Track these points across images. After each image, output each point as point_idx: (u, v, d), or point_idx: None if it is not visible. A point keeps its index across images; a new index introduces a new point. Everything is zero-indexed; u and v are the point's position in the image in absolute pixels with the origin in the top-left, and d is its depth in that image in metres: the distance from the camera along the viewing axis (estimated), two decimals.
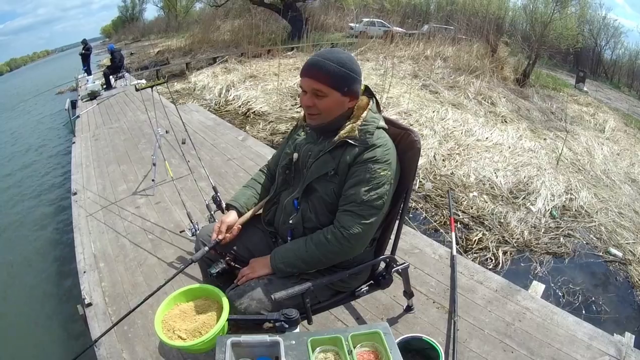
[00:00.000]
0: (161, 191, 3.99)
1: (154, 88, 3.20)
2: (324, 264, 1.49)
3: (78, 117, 8.01)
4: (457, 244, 3.29)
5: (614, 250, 3.82)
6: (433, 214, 4.15)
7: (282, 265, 1.47)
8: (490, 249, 3.63)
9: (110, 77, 11.12)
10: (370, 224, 1.42)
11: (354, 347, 1.16)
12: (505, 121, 7.53)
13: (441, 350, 1.70)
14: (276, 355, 1.16)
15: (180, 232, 3.17)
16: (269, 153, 4.64)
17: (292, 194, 1.57)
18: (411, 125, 6.19)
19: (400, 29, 16.67)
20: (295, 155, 1.58)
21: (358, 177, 1.41)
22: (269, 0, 18.57)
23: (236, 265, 1.58)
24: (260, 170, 1.87)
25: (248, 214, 1.69)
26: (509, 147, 5.94)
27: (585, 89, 15.35)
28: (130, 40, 38.54)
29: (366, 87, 1.55)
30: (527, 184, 4.74)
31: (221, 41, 18.66)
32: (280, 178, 1.64)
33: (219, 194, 2.73)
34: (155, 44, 23.17)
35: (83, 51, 13.27)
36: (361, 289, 1.70)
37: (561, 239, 3.87)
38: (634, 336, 2.36)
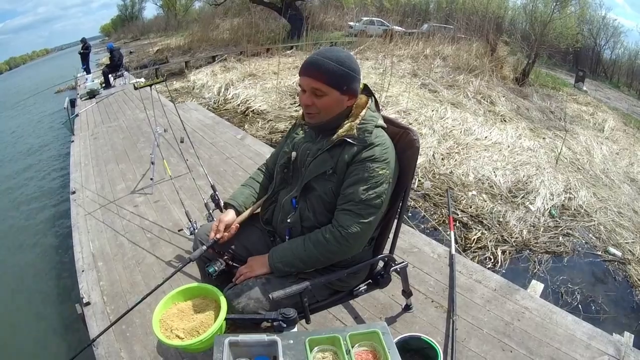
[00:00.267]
0: (160, 190, 3.98)
1: (152, 87, 3.19)
2: (322, 263, 1.48)
3: (77, 115, 7.99)
4: (456, 243, 3.29)
5: (613, 250, 3.82)
6: (432, 212, 4.15)
7: (280, 265, 1.47)
8: (489, 248, 3.63)
9: (110, 75, 11.10)
10: (369, 223, 1.42)
11: (352, 347, 1.16)
12: (505, 120, 7.52)
13: (440, 350, 1.70)
14: (274, 355, 1.16)
15: (179, 230, 3.16)
16: (267, 152, 4.64)
17: (291, 192, 1.56)
18: (410, 124, 6.18)
19: (399, 28, 16.64)
20: (294, 154, 1.57)
21: (356, 176, 1.40)
22: None
23: (234, 264, 1.57)
24: (258, 169, 1.87)
25: (246, 213, 1.68)
26: (508, 146, 5.94)
27: (584, 88, 15.34)
28: (130, 39, 38.49)
29: (365, 85, 1.54)
30: (526, 183, 4.74)
31: (220, 40, 18.65)
32: (279, 177, 1.63)
33: (217, 193, 2.73)
34: (155, 43, 23.13)
35: (82, 50, 13.25)
36: (359, 288, 1.70)
37: (560, 238, 3.87)
38: (633, 336, 2.36)
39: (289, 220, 1.54)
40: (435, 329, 2.06)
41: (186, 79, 11.45)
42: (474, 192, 4.48)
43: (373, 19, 20.13)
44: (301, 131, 1.64)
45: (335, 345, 1.17)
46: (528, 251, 3.66)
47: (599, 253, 3.79)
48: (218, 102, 8.67)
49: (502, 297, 2.27)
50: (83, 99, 9.78)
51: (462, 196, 4.41)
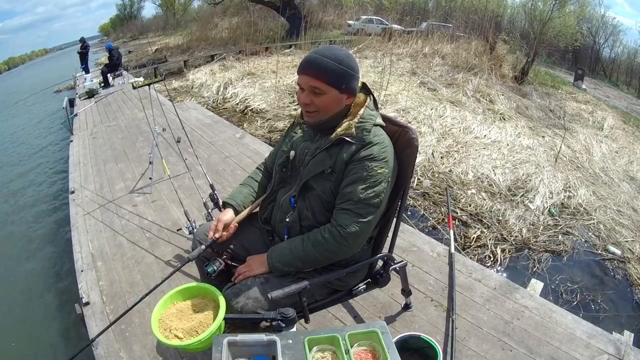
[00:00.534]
0: (158, 189, 3.98)
1: (151, 86, 3.18)
2: (321, 263, 1.48)
3: (76, 115, 7.98)
4: (456, 241, 3.28)
5: (612, 248, 3.82)
6: (431, 211, 4.14)
7: (279, 264, 1.47)
8: (489, 246, 3.62)
9: (108, 75, 11.09)
10: (368, 222, 1.41)
11: (352, 346, 1.15)
12: (504, 119, 7.52)
13: (439, 349, 1.70)
14: (273, 355, 1.15)
15: (178, 230, 3.16)
16: (266, 150, 4.63)
17: (289, 192, 1.56)
18: (409, 122, 6.18)
19: (398, 27, 16.61)
20: (292, 153, 1.57)
21: (355, 175, 1.40)
22: None
23: (233, 263, 1.57)
24: (257, 168, 1.86)
25: (245, 212, 1.68)
26: (507, 145, 5.93)
27: (583, 86, 15.34)
28: (128, 39, 38.40)
29: (363, 84, 1.54)
30: (526, 182, 4.73)
31: (219, 39, 18.63)
32: (277, 176, 1.63)
33: (216, 192, 2.72)
34: (153, 42, 23.06)
35: (81, 50, 13.23)
36: (358, 287, 1.69)
37: (560, 236, 3.87)
38: (632, 334, 2.35)
39: (287, 220, 1.53)
40: (434, 328, 2.06)
41: (185, 78, 11.44)
42: (473, 191, 4.48)
43: (372, 17, 20.10)
44: (300, 130, 1.64)
45: (335, 345, 1.17)
46: (527, 250, 3.66)
47: (599, 252, 3.78)
48: (217, 101, 8.66)
49: (502, 296, 2.27)
50: (82, 98, 9.77)
51: (461, 195, 4.40)
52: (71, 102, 9.51)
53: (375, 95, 1.56)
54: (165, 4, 38.71)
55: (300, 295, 1.42)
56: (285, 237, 1.55)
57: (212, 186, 2.80)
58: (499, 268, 3.40)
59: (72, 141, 6.11)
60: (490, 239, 3.70)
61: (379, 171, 1.39)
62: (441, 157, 5.29)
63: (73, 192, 4.17)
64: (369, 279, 1.73)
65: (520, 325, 2.06)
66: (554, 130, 7.61)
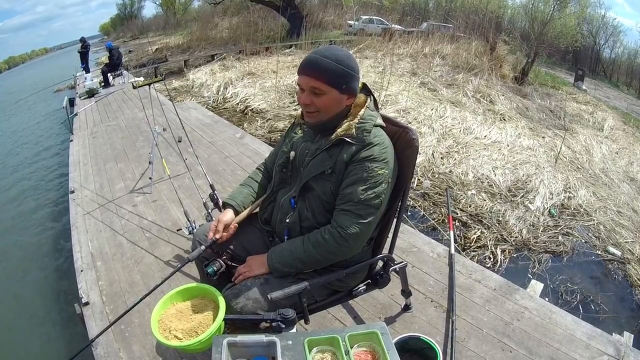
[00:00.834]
0: (158, 189, 3.98)
1: (151, 86, 3.18)
2: (321, 264, 1.48)
3: (76, 115, 7.97)
4: (456, 242, 3.28)
5: (612, 249, 3.82)
6: (431, 212, 4.14)
7: (279, 265, 1.46)
8: (489, 247, 3.62)
9: (109, 74, 11.08)
10: (368, 223, 1.41)
11: (351, 347, 1.15)
12: (504, 119, 7.52)
13: (439, 350, 1.70)
14: (273, 356, 1.15)
15: (177, 230, 3.16)
16: (266, 151, 4.63)
17: (289, 192, 1.56)
18: (409, 123, 6.18)
19: (398, 27, 16.65)
20: (292, 153, 1.57)
21: (355, 175, 1.39)
22: None
23: (233, 264, 1.57)
24: (257, 168, 1.86)
25: (245, 213, 1.68)
26: (508, 145, 5.94)
27: (584, 87, 15.34)
28: (129, 38, 38.38)
29: (364, 84, 1.54)
30: (526, 182, 4.74)
31: (219, 39, 18.62)
32: (277, 176, 1.62)
33: (216, 192, 2.72)
34: (154, 42, 23.06)
35: (81, 49, 13.22)
36: (358, 288, 1.69)
37: (560, 237, 3.87)
38: (632, 335, 2.36)
39: (287, 220, 1.53)
40: (434, 329, 2.06)
41: (185, 77, 11.43)
42: (474, 191, 4.48)
43: (372, 17, 20.11)
44: (300, 130, 1.64)
45: (334, 346, 1.17)
46: (527, 250, 3.66)
47: (599, 252, 3.78)
48: (217, 101, 8.66)
49: (502, 296, 2.27)
50: (82, 98, 9.76)
51: (461, 195, 4.40)
52: (71, 102, 9.50)
53: (375, 96, 1.56)
54: (166, 3, 38.77)
55: (300, 296, 1.42)
56: (286, 237, 1.55)
57: (212, 186, 2.80)
58: (499, 269, 3.39)
59: (72, 141, 6.11)
60: (490, 240, 3.70)
61: (379, 172, 1.39)
62: (441, 158, 5.29)
63: (73, 192, 4.17)
64: (369, 280, 1.73)
65: (520, 326, 2.05)
66: (554, 131, 7.61)
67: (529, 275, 3.34)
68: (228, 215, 1.62)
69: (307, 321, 1.48)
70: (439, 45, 12.58)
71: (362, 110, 1.46)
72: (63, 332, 3.22)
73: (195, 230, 2.53)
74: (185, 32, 23.80)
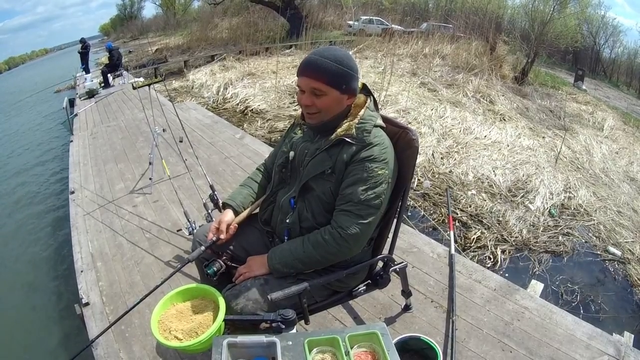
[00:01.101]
0: (158, 190, 3.98)
1: (151, 86, 3.18)
2: (322, 264, 1.48)
3: (76, 115, 7.97)
4: (456, 242, 3.28)
5: (612, 249, 3.82)
6: (431, 212, 4.14)
7: (279, 266, 1.46)
8: (489, 247, 3.62)
9: (109, 75, 11.09)
10: (368, 223, 1.41)
11: (351, 348, 1.15)
12: (504, 119, 7.52)
13: (439, 350, 1.70)
14: (273, 356, 1.15)
15: (177, 230, 3.16)
16: (266, 151, 4.63)
17: (289, 192, 1.55)
18: (409, 123, 6.18)
19: (398, 27, 16.65)
20: (292, 153, 1.57)
21: (355, 176, 1.39)
22: None
23: (233, 264, 1.57)
24: (257, 168, 1.86)
25: (244, 213, 1.68)
26: (508, 145, 5.93)
27: (584, 87, 15.35)
28: (129, 39, 38.39)
29: (364, 85, 1.54)
30: (526, 182, 4.74)
31: (219, 39, 18.63)
32: (277, 177, 1.62)
33: (216, 193, 2.72)
34: (154, 42, 23.09)
35: (81, 50, 13.23)
36: (359, 288, 1.69)
37: (560, 237, 3.87)
38: (633, 336, 2.36)
39: (287, 221, 1.53)
40: (434, 329, 2.05)
41: (185, 78, 11.44)
42: (474, 192, 4.48)
43: (372, 17, 20.11)
44: (299, 131, 1.63)
45: (334, 347, 1.17)
46: (528, 251, 3.66)
47: (599, 252, 3.78)
48: (217, 101, 8.67)
49: (502, 297, 2.26)
50: (82, 98, 9.77)
51: (461, 195, 4.40)
52: (71, 102, 9.51)
53: (375, 96, 1.56)
54: (166, 4, 38.79)
55: (300, 296, 1.42)
56: (285, 238, 1.55)
57: (212, 187, 2.80)
58: (499, 269, 3.39)
59: (72, 141, 6.11)
60: (490, 240, 3.70)
61: (379, 172, 1.39)
62: (441, 158, 5.29)
63: (73, 193, 4.17)
64: (369, 280, 1.73)
65: (521, 326, 2.05)
66: (554, 131, 7.62)
67: (529, 275, 3.34)
68: (228, 215, 1.62)
69: (307, 322, 1.48)
70: (439, 46, 12.58)
71: (362, 110, 1.46)
72: (63, 333, 3.22)
73: (195, 230, 2.53)
74: (185, 32, 23.83)
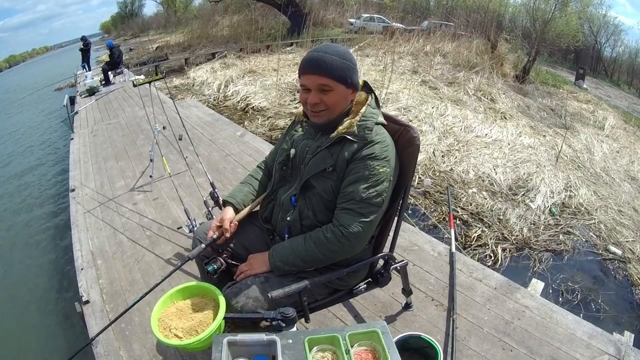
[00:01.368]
0: (159, 187, 3.97)
1: (152, 84, 3.17)
2: (323, 263, 1.47)
3: (76, 113, 7.96)
4: (456, 240, 3.28)
5: (613, 248, 3.81)
6: (432, 210, 4.14)
7: (280, 263, 1.46)
8: (490, 245, 3.62)
9: (109, 73, 11.08)
10: (370, 222, 1.41)
11: (352, 346, 1.14)
12: (505, 118, 7.52)
13: (440, 349, 1.69)
14: (273, 355, 1.15)
15: (178, 228, 3.16)
16: (267, 148, 4.63)
17: (290, 190, 1.55)
18: (410, 121, 6.18)
19: (399, 25, 16.59)
20: (293, 151, 1.56)
21: (357, 174, 1.39)
22: None
23: (233, 262, 1.56)
24: (257, 166, 1.85)
25: (245, 211, 1.67)
26: (509, 144, 5.93)
27: (585, 86, 15.32)
28: (129, 36, 38.40)
29: (365, 82, 1.53)
30: (527, 181, 4.73)
31: (220, 37, 18.61)
32: (277, 174, 1.62)
33: (216, 190, 2.71)
34: (154, 40, 23.08)
35: (83, 47, 13.22)
36: (359, 287, 1.68)
37: (560, 236, 3.86)
38: (633, 335, 2.35)
39: (288, 219, 1.52)
40: (435, 327, 2.05)
41: (186, 76, 11.43)
42: (474, 190, 4.47)
43: (373, 15, 20.07)
44: (300, 128, 1.63)
45: (335, 345, 1.16)
46: (528, 249, 3.65)
47: (600, 251, 3.78)
48: (218, 99, 8.66)
49: (503, 295, 2.26)
50: (82, 96, 9.77)
51: (462, 194, 4.40)
52: (72, 100, 9.50)
53: (376, 94, 1.55)
54: (167, 1, 38.73)
55: (300, 294, 1.41)
56: (286, 236, 1.54)
57: (212, 184, 2.80)
58: (499, 267, 3.39)
59: (72, 139, 6.11)
60: (491, 238, 3.70)
61: (380, 170, 1.38)
62: (442, 156, 5.28)
63: (73, 190, 4.17)
64: (370, 279, 1.72)
65: (521, 325, 2.05)
66: (555, 130, 7.61)
67: (530, 274, 3.33)
68: (228, 213, 1.62)
69: (307, 320, 1.48)
70: (440, 44, 12.57)
71: (364, 108, 1.45)
72: (63, 331, 3.22)
73: (195, 228, 2.52)
74: (186, 30, 23.79)
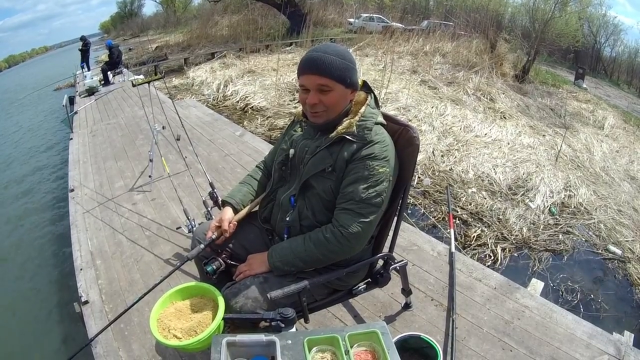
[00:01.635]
0: (158, 187, 3.97)
1: (151, 84, 3.16)
2: (323, 263, 1.47)
3: (76, 113, 7.95)
4: (456, 240, 3.28)
5: (613, 248, 3.81)
6: (432, 210, 4.14)
7: (280, 264, 1.45)
8: (489, 245, 3.62)
9: (108, 72, 11.07)
10: (370, 222, 1.40)
11: (351, 347, 1.14)
12: (504, 117, 7.52)
13: (439, 349, 1.69)
14: (272, 355, 1.14)
15: (177, 228, 3.15)
16: (266, 148, 4.62)
17: (289, 190, 1.54)
18: (410, 120, 6.18)
19: (399, 25, 16.61)
20: (292, 151, 1.55)
21: (356, 174, 1.38)
22: None
23: (232, 262, 1.56)
24: (256, 166, 1.85)
25: (244, 211, 1.67)
26: (508, 143, 5.93)
27: (584, 85, 15.33)
28: (129, 36, 38.34)
29: (364, 82, 1.53)
30: (526, 181, 4.73)
31: (219, 37, 18.60)
32: (276, 174, 1.61)
33: (215, 190, 2.71)
34: (154, 40, 23.08)
35: (82, 47, 13.21)
36: (359, 287, 1.68)
37: (560, 236, 3.86)
38: (633, 335, 2.35)
39: (287, 219, 1.52)
40: (434, 327, 2.05)
41: (185, 75, 11.42)
42: (474, 189, 4.47)
43: (373, 15, 20.09)
44: (299, 128, 1.62)
45: (334, 346, 1.16)
46: (528, 249, 3.65)
47: (599, 251, 3.78)
48: (217, 98, 8.65)
49: (502, 295, 2.26)
50: (82, 96, 9.76)
51: (461, 193, 4.40)
52: (71, 100, 9.48)
53: (376, 94, 1.55)
54: (166, 1, 38.77)
55: (299, 295, 1.41)
56: (285, 236, 1.54)
57: (211, 184, 2.79)
58: (499, 267, 3.39)
59: (71, 139, 6.10)
60: (490, 238, 3.70)
61: (380, 170, 1.38)
62: (442, 156, 5.28)
63: (72, 190, 4.16)
64: (369, 279, 1.72)
65: (521, 325, 2.05)
66: (555, 129, 7.61)
67: (530, 274, 3.33)
68: (227, 213, 1.61)
69: (306, 320, 1.47)
70: (440, 43, 12.57)
71: (363, 107, 1.45)
72: (62, 331, 3.21)
73: (194, 228, 2.52)
74: (186, 30, 23.80)
